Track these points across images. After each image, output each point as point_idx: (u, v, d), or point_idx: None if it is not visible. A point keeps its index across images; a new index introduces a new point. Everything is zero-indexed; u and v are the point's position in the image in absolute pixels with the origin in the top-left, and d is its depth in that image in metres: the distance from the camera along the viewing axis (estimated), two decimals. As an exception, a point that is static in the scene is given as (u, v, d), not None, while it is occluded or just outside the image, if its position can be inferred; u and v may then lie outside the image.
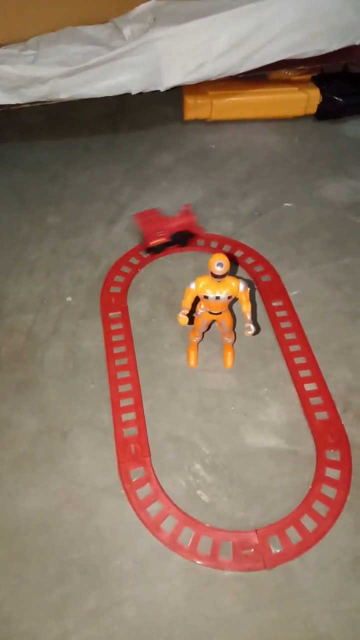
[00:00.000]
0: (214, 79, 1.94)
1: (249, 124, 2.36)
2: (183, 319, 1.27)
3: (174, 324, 1.60)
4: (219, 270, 1.17)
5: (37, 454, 1.33)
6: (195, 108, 2.33)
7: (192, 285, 1.25)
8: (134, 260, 1.80)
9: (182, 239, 1.77)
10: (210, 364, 1.51)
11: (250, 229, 1.89)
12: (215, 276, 1.19)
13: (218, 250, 1.81)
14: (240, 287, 1.24)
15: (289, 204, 1.97)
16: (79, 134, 2.37)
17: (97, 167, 2.20)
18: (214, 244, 1.84)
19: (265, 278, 1.72)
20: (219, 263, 1.16)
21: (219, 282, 1.22)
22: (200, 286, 1.25)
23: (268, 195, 2.02)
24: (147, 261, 1.80)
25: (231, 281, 1.23)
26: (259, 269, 1.74)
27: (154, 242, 1.73)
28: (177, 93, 2.32)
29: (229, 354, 1.50)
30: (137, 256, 1.81)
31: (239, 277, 1.25)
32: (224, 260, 1.16)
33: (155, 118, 2.44)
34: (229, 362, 1.50)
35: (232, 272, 1.23)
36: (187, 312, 1.27)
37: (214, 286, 1.23)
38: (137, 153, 2.27)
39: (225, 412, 1.41)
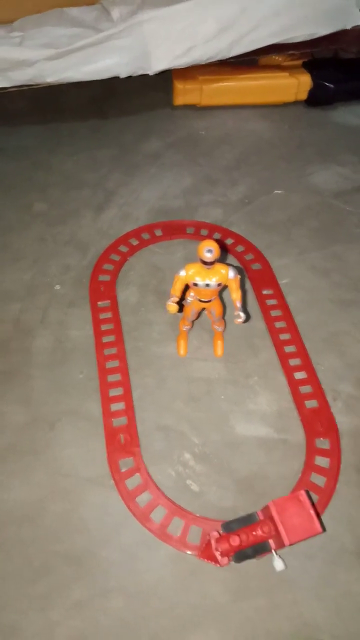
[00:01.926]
0: (203, 63, 1.90)
1: (239, 110, 2.34)
2: (172, 306, 1.25)
3: (163, 313, 1.58)
4: (208, 256, 1.15)
5: (22, 445, 1.31)
6: (184, 93, 2.29)
7: (182, 273, 1.23)
8: (123, 248, 1.77)
9: None
10: (200, 352, 1.50)
11: (239, 216, 1.87)
12: (204, 263, 1.17)
13: (208, 237, 1.79)
14: (230, 274, 1.22)
15: (278, 191, 1.96)
16: (65, 119, 2.32)
17: (83, 153, 2.16)
18: (203, 232, 1.82)
19: (256, 266, 1.70)
20: (208, 249, 1.14)
21: (208, 269, 1.20)
22: (189, 273, 1.23)
23: (257, 183, 2.00)
24: (136, 249, 1.77)
25: (221, 268, 1.21)
26: (249, 257, 1.73)
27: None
28: (166, 78, 2.29)
29: (219, 343, 1.49)
30: (126, 244, 1.78)
31: (228, 264, 1.23)
32: (214, 246, 1.14)
33: (144, 103, 2.40)
34: (219, 351, 1.49)
35: (222, 260, 1.21)
36: (177, 300, 1.25)
37: (204, 273, 1.22)
38: (125, 139, 2.23)
39: (214, 401, 1.40)
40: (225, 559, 1.08)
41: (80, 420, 1.36)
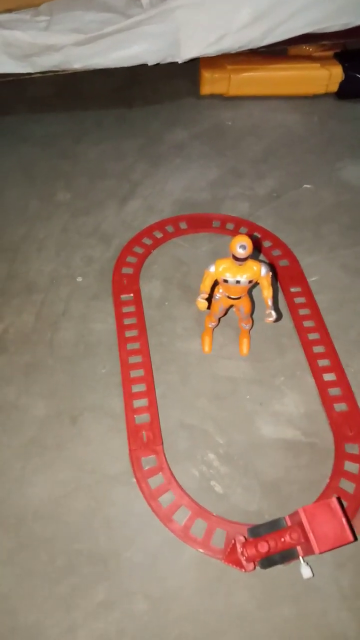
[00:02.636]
0: (233, 52, 1.85)
1: (267, 100, 2.27)
2: (202, 303, 1.21)
3: (187, 308, 1.55)
4: (241, 252, 1.10)
5: (45, 439, 1.29)
6: (212, 82, 2.24)
7: (212, 268, 1.19)
8: (147, 241, 1.74)
9: None
10: (225, 350, 1.46)
11: (267, 211, 1.83)
12: (236, 259, 1.13)
13: (234, 232, 1.75)
14: (262, 271, 1.18)
15: (307, 186, 1.90)
16: (90, 107, 2.28)
17: (108, 142, 2.12)
18: (229, 226, 1.78)
19: (284, 263, 1.66)
20: (241, 245, 1.10)
21: (240, 265, 1.16)
22: (220, 269, 1.18)
23: (285, 176, 1.95)
24: (160, 242, 1.74)
25: (253, 265, 1.17)
26: (276, 253, 1.68)
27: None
28: (192, 67, 2.24)
29: (245, 341, 1.45)
30: (150, 236, 1.74)
31: (260, 261, 1.19)
32: (247, 242, 1.10)
33: (170, 92, 2.35)
34: (245, 349, 1.45)
35: (254, 256, 1.16)
36: (207, 296, 1.22)
37: (235, 270, 1.17)
38: (150, 129, 2.19)
39: (239, 401, 1.36)
40: (251, 565, 1.05)
41: (103, 415, 1.33)
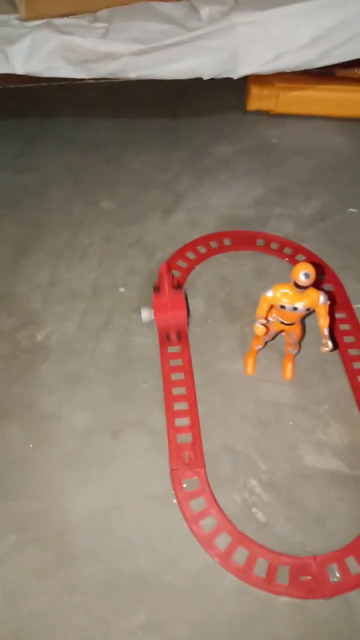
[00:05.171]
0: (288, 72, 1.84)
1: (314, 120, 2.26)
2: (260, 329, 1.20)
3: (230, 327, 1.53)
4: (304, 281, 1.09)
5: (86, 453, 1.28)
6: (260, 99, 2.23)
7: (269, 293, 1.18)
8: (190, 255, 1.72)
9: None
10: (269, 373, 1.44)
11: (312, 232, 1.81)
12: (298, 286, 1.12)
13: (278, 252, 1.73)
14: (321, 300, 1.16)
15: (353, 210, 1.88)
16: (137, 115, 2.28)
17: (153, 152, 2.12)
18: (274, 245, 1.76)
19: (328, 287, 1.64)
20: (305, 273, 1.08)
21: (300, 292, 1.14)
22: (277, 295, 1.17)
23: (332, 199, 1.93)
24: (203, 257, 1.72)
25: (312, 292, 1.16)
26: (321, 276, 1.66)
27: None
28: (240, 81, 2.20)
29: (289, 365, 1.43)
30: (194, 251, 1.73)
31: (320, 289, 1.17)
32: (311, 270, 1.08)
33: (215, 105, 2.34)
34: (289, 374, 1.43)
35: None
36: (265, 321, 1.20)
37: (293, 296, 1.16)
38: (195, 141, 2.18)
39: (283, 427, 1.34)
40: None
41: (144, 432, 1.32)
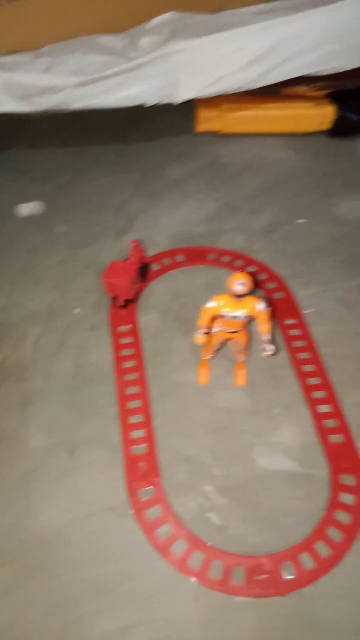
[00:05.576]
0: (230, 93, 1.92)
1: (261, 138, 2.35)
2: (201, 339, 1.24)
3: (184, 340, 1.57)
4: (240, 290, 1.14)
5: (44, 471, 1.29)
6: (207, 121, 2.31)
7: (210, 305, 1.22)
8: (144, 273, 1.77)
9: (142, 274, 1.71)
10: (222, 382, 1.48)
11: (262, 245, 1.87)
12: (236, 296, 1.17)
13: (230, 265, 1.79)
14: (260, 307, 1.21)
15: (301, 221, 1.95)
16: (88, 143, 2.35)
17: (106, 177, 2.18)
18: (225, 259, 1.82)
19: (279, 295, 1.69)
20: (241, 283, 1.14)
21: (239, 301, 1.19)
22: (218, 305, 1.22)
23: (281, 212, 2.00)
24: (157, 274, 1.77)
25: (251, 300, 1.21)
26: (272, 285, 1.72)
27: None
28: (188, 105, 2.30)
29: (241, 373, 1.47)
30: (148, 270, 1.78)
31: (259, 297, 1.22)
32: (246, 279, 1.14)
33: (166, 129, 2.42)
34: (241, 380, 1.47)
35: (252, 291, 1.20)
36: (205, 331, 1.25)
37: (233, 305, 1.21)
38: (146, 164, 2.25)
39: (237, 433, 1.37)
40: None
41: (101, 447, 1.34)
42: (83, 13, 2.06)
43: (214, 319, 1.27)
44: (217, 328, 1.31)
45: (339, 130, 2.30)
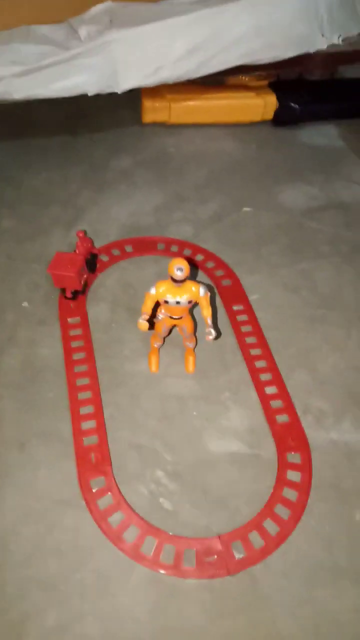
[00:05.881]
0: (171, 83, 1.92)
1: (207, 128, 2.37)
2: (143, 324, 1.25)
3: (134, 330, 1.57)
4: (178, 275, 1.15)
5: (-8, 467, 1.28)
6: (153, 111, 2.31)
7: (152, 290, 1.24)
8: (93, 265, 1.77)
9: (91, 265, 1.71)
10: (172, 369, 1.50)
11: (209, 233, 1.89)
12: (175, 281, 1.18)
13: (179, 254, 1.80)
14: (200, 292, 1.23)
15: (247, 209, 1.98)
16: (35, 135, 2.31)
17: (53, 170, 2.16)
18: (174, 248, 1.83)
19: (226, 282, 1.71)
20: (178, 268, 1.15)
21: (179, 286, 1.20)
22: (160, 291, 1.23)
23: (227, 200, 2.03)
24: (106, 265, 1.77)
25: (191, 286, 1.22)
26: (219, 273, 1.74)
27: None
28: (135, 96, 2.31)
29: (191, 359, 1.49)
30: (97, 260, 1.77)
31: (199, 282, 1.24)
32: (184, 264, 1.15)
33: (113, 121, 2.42)
34: (191, 367, 1.49)
35: (193, 277, 1.21)
36: (148, 317, 1.26)
37: (174, 291, 1.22)
38: (95, 156, 2.24)
39: (187, 418, 1.39)
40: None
41: (51, 440, 1.34)
42: (22, 3, 2.03)
43: (159, 305, 1.29)
44: (161, 315, 1.32)
45: (282, 120, 2.34)
